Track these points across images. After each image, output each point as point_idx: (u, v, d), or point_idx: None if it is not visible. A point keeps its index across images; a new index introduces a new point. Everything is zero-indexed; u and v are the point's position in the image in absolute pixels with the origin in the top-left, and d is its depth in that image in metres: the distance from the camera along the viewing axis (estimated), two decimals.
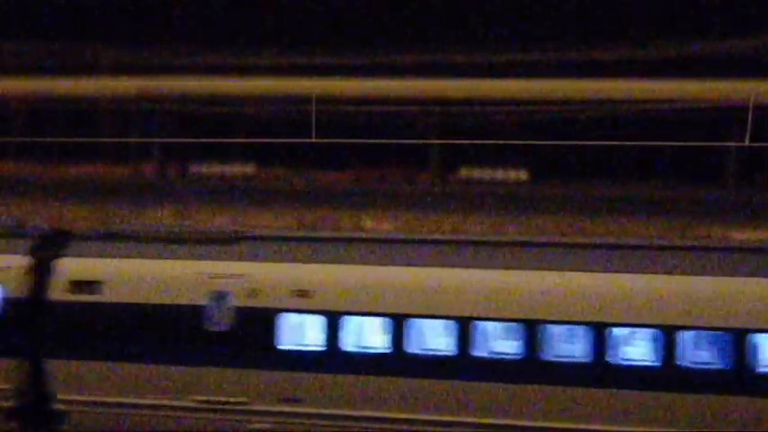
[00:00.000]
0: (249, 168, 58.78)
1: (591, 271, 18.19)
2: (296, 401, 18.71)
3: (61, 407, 19.75)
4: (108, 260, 19.87)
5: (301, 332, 18.85)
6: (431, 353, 18.28)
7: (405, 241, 19.61)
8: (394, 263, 18.89)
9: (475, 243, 19.32)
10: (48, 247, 20.45)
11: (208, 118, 54.95)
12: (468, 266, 18.63)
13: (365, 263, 18.98)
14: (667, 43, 50.23)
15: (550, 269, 18.25)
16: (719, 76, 44.29)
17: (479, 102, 48.00)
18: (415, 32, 53.97)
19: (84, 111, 56.07)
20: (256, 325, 18.83)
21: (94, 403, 19.62)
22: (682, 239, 22.18)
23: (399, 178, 56.03)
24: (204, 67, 53.71)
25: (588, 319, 17.72)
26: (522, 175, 56.23)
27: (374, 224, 39.78)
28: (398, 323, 18.33)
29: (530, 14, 53.60)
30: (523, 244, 19.13)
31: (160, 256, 19.76)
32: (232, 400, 19.01)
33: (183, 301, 19.19)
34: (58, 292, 19.85)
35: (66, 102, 53.83)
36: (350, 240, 19.74)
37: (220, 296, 19.17)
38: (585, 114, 48.77)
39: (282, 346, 18.74)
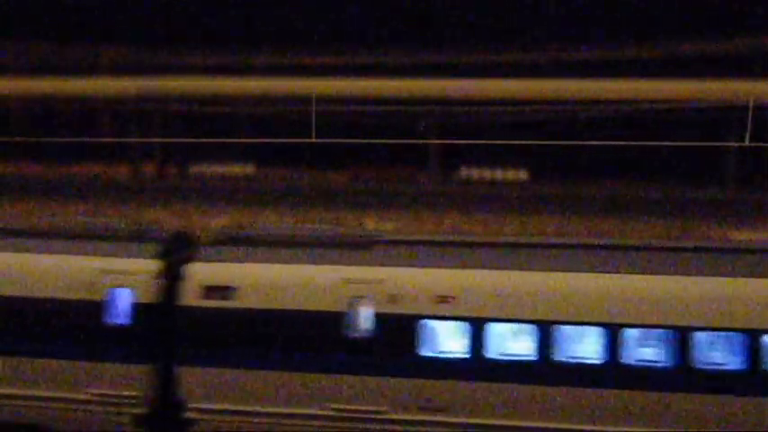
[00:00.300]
0: (249, 168, 58.71)
1: (732, 276, 17.84)
2: (437, 410, 18.32)
3: (192, 414, 19.27)
4: (240, 265, 19.32)
5: (443, 339, 18.43)
6: (578, 360, 17.87)
7: (547, 246, 19.12)
8: (537, 268, 18.47)
9: (620, 248, 18.85)
10: (176, 250, 20.05)
11: (208, 118, 54.89)
12: (615, 272, 18.16)
13: (507, 268, 18.58)
14: (667, 43, 50.19)
15: (702, 275, 17.81)
16: (719, 76, 44.25)
17: (479, 102, 47.93)
18: (415, 32, 53.92)
19: (85, 111, 56.00)
20: (396, 331, 18.39)
21: (226, 411, 19.12)
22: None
23: (399, 178, 55.97)
24: (204, 67, 53.63)
25: (739, 327, 17.34)
26: (522, 175, 56.22)
27: (374, 224, 39.75)
28: (544, 330, 17.94)
29: (529, 14, 53.57)
30: (674, 249, 18.66)
31: (295, 261, 19.26)
32: (371, 408, 18.56)
33: (321, 306, 18.72)
34: (189, 297, 19.32)
35: (67, 102, 53.77)
36: (490, 245, 19.32)
37: (359, 302, 18.81)
38: (585, 114, 48.73)
39: (423, 353, 18.38)
